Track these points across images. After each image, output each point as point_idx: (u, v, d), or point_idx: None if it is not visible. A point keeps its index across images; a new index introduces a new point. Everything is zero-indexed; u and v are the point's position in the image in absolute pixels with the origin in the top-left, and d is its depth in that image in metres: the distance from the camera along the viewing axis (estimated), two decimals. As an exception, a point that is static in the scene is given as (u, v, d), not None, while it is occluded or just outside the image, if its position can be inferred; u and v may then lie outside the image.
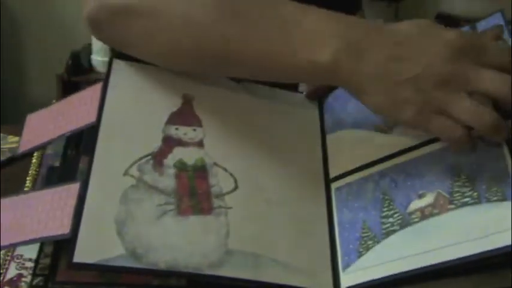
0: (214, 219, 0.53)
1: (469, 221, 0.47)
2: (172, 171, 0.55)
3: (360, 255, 0.52)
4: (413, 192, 0.52)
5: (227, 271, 0.50)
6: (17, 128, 0.82)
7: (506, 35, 0.52)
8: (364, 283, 0.50)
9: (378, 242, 0.52)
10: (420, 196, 0.51)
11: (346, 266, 0.53)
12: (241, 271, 0.50)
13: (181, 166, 0.55)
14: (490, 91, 0.47)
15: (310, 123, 0.64)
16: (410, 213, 0.51)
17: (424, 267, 0.47)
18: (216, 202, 0.54)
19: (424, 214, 0.50)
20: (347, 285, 0.52)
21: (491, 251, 0.45)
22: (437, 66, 0.47)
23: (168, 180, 0.54)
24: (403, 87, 0.47)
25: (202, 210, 0.53)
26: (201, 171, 0.56)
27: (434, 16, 1.62)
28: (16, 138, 0.82)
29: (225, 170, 0.56)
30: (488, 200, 0.47)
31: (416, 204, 0.51)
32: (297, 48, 0.51)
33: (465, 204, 0.48)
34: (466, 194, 0.49)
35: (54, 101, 0.66)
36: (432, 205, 0.50)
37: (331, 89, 0.66)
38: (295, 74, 0.53)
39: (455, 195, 0.49)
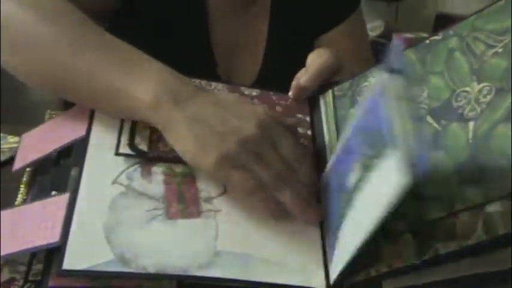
0: (203, 222, 0.54)
1: None
2: (160, 178, 0.56)
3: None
4: None
5: (216, 271, 0.50)
6: (17, 128, 0.82)
7: None
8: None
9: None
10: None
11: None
12: (231, 271, 0.51)
13: (169, 172, 0.56)
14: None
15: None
16: None
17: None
18: (204, 206, 0.55)
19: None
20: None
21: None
22: (244, 129, 0.53)
23: (156, 187, 0.55)
24: (211, 138, 0.53)
25: (191, 214, 0.54)
26: (189, 176, 0.56)
27: (434, 16, 1.62)
28: (16, 139, 0.81)
29: None
30: None
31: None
32: (126, 85, 0.55)
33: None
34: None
35: (48, 111, 0.69)
36: None
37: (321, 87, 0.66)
38: (121, 110, 0.57)
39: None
